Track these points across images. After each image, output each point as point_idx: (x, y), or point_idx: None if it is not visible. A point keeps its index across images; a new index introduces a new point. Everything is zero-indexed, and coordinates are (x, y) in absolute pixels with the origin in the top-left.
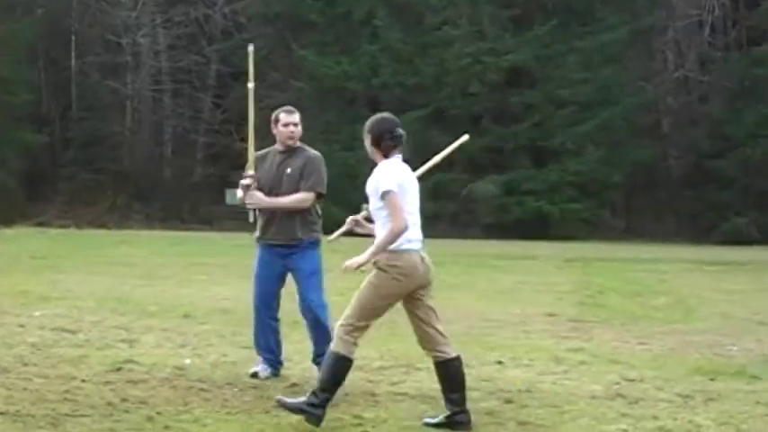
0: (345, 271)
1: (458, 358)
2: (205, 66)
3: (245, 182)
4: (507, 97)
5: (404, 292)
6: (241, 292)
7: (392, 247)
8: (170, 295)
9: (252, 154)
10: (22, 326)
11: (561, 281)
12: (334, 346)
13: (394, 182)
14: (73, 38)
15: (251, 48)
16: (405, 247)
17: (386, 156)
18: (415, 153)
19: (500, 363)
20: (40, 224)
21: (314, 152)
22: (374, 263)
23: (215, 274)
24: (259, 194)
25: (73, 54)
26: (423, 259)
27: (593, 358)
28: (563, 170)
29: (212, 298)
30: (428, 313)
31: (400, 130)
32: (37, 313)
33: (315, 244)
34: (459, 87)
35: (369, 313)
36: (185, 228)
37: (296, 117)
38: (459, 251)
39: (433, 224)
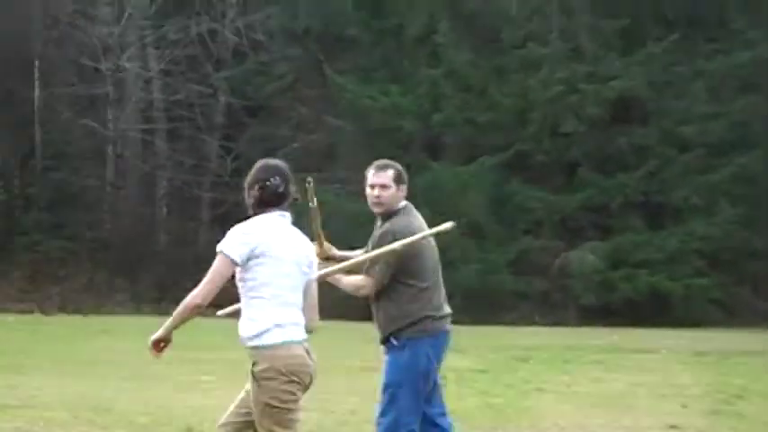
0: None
1: None
2: (211, 98)
3: None
4: (613, 137)
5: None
6: None
7: (263, 342)
8: (166, 403)
9: None
10: None
11: (688, 382)
12: None
13: (239, 243)
14: (36, 62)
15: (310, 180)
16: (279, 339)
17: (256, 211)
18: (490, 210)
19: None
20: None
21: (399, 220)
22: (252, 373)
23: (225, 375)
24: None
25: (36, 84)
26: (308, 353)
27: None
28: (687, 234)
29: (222, 407)
30: None
31: (276, 180)
32: None
33: (397, 346)
34: (548, 125)
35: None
36: None
37: (384, 176)
38: (549, 342)
39: (517, 305)
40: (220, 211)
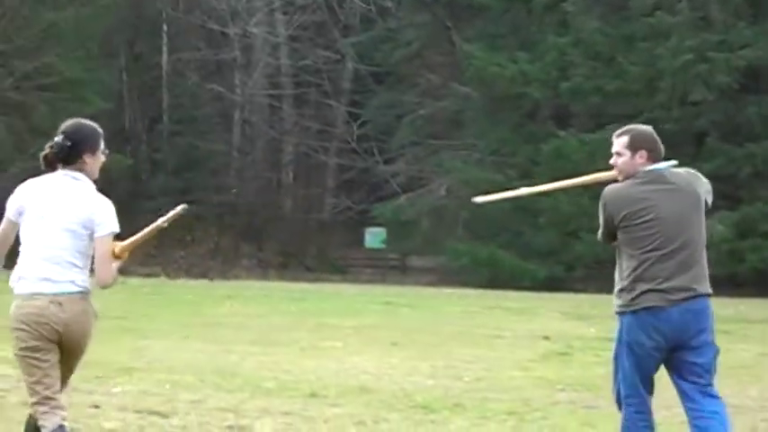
0: None
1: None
2: (338, 64)
3: None
4: (742, 107)
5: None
6: (386, 366)
7: (15, 292)
8: (291, 367)
9: None
10: (96, 406)
11: None
12: None
13: (10, 201)
14: (164, 27)
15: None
16: (19, 291)
17: (44, 169)
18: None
19: None
20: (119, 272)
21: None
22: None
23: (351, 341)
24: None
25: (164, 48)
26: (60, 305)
27: None
28: None
29: (348, 372)
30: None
31: (60, 140)
32: (116, 390)
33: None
34: (676, 94)
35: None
36: (311, 278)
37: (620, 142)
38: None
39: None
40: (346, 177)
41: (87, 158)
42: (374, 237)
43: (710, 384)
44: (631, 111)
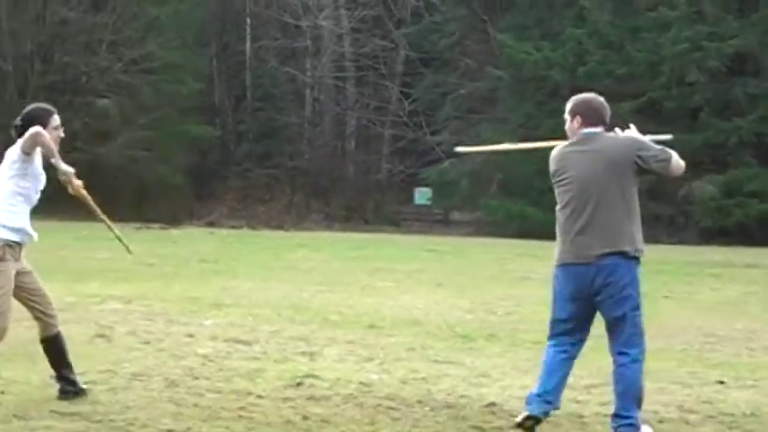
0: None
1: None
2: (392, 51)
3: None
4: (730, 87)
5: None
6: (433, 303)
7: None
8: (353, 303)
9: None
10: (191, 336)
11: None
12: None
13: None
14: (248, 20)
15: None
16: None
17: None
18: None
19: (721, 383)
20: (210, 224)
21: None
22: None
23: (403, 282)
24: None
25: (248, 38)
26: None
27: None
28: None
29: (400, 307)
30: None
31: (17, 121)
32: (208, 322)
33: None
34: (675, 76)
35: None
36: (369, 229)
37: (566, 109)
38: (674, 258)
39: (651, 227)
40: (399, 145)
41: None
42: (422, 195)
43: (624, 338)
44: (637, 90)
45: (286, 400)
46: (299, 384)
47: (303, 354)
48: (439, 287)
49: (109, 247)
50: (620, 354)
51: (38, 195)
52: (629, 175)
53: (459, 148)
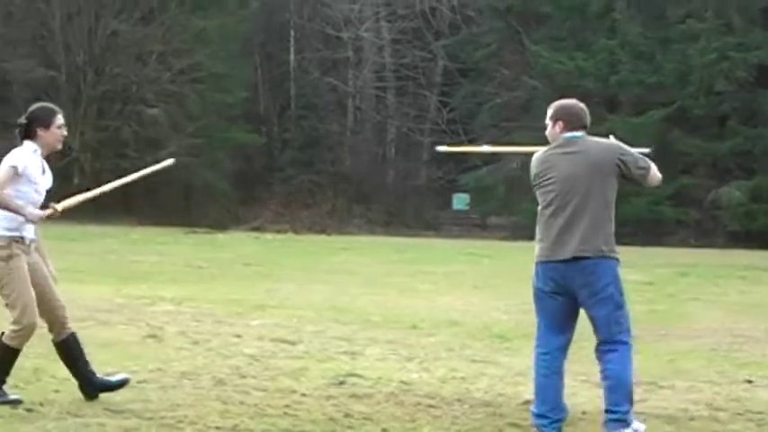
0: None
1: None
2: (431, 62)
3: None
4: (756, 96)
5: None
6: (470, 304)
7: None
8: (394, 305)
9: None
10: (238, 336)
11: None
12: None
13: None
14: (291, 32)
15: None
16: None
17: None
18: (657, 157)
19: (749, 382)
20: (255, 229)
21: None
22: None
23: (442, 284)
24: None
25: (291, 49)
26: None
27: None
28: None
29: (439, 309)
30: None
31: (21, 119)
32: (254, 323)
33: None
34: (704, 86)
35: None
36: (409, 234)
37: (547, 115)
38: (703, 261)
39: (676, 231)
40: (437, 153)
41: (41, 132)
42: (460, 200)
43: (610, 338)
44: (666, 99)
45: (329, 397)
46: (341, 383)
47: (345, 353)
48: (476, 289)
49: (158, 251)
50: (608, 351)
51: (40, 195)
52: (611, 177)
53: (441, 148)
